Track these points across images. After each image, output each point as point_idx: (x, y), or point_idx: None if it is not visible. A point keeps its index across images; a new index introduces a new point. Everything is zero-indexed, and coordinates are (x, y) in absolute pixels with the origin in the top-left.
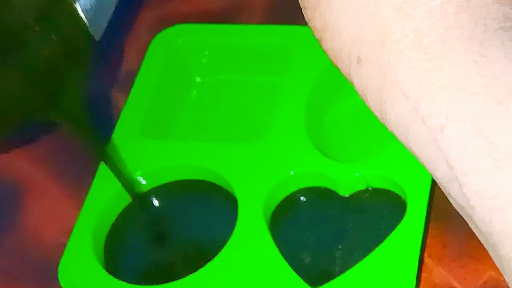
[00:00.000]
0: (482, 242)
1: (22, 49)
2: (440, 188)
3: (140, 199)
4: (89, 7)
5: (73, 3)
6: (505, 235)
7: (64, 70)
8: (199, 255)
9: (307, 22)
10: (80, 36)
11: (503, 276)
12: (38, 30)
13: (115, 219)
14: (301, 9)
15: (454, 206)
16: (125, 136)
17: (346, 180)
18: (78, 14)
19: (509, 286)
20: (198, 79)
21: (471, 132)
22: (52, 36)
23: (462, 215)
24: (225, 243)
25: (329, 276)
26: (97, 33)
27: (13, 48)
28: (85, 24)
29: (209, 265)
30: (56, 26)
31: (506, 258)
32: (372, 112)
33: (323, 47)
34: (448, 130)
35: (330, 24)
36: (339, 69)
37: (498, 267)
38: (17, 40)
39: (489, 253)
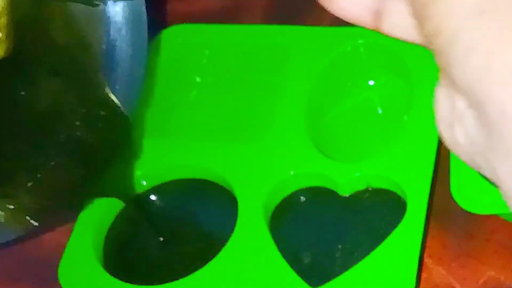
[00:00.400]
0: None
1: (69, 141)
2: (440, 188)
3: (140, 199)
4: (118, 88)
5: (107, 91)
6: None
7: (108, 150)
8: (199, 255)
9: None
10: (115, 119)
11: (503, 275)
12: (80, 123)
13: (115, 219)
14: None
15: (501, 171)
16: None
17: (346, 180)
18: (110, 98)
19: None
20: (198, 79)
21: None
22: (92, 124)
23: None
24: (225, 243)
25: (329, 276)
26: (129, 111)
27: (61, 142)
28: (118, 106)
29: (209, 265)
30: (95, 115)
31: None
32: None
33: (424, 14)
34: None
35: None
36: (433, 37)
37: None
38: (63, 135)
39: None
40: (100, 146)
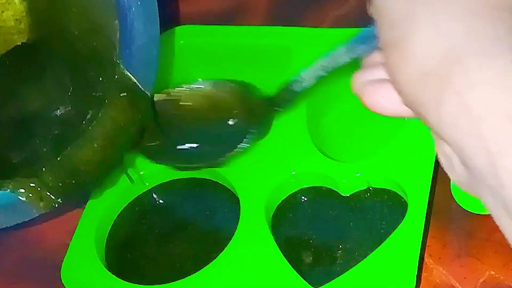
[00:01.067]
0: (507, 228)
1: (93, 122)
2: (440, 188)
3: (143, 199)
4: (132, 65)
5: (122, 69)
6: None
7: (131, 128)
8: (201, 255)
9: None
10: (134, 95)
11: (502, 275)
12: (102, 106)
13: (117, 219)
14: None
15: (488, 204)
16: None
17: (347, 180)
18: (128, 77)
19: None
20: (200, 80)
21: (505, 118)
22: (113, 106)
23: (495, 211)
24: (227, 243)
25: (330, 276)
26: (147, 87)
27: (83, 125)
28: (136, 84)
29: (211, 265)
30: (116, 97)
31: None
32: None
33: (398, 84)
34: (487, 117)
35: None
36: (404, 96)
37: None
38: (86, 119)
39: None
40: (124, 127)
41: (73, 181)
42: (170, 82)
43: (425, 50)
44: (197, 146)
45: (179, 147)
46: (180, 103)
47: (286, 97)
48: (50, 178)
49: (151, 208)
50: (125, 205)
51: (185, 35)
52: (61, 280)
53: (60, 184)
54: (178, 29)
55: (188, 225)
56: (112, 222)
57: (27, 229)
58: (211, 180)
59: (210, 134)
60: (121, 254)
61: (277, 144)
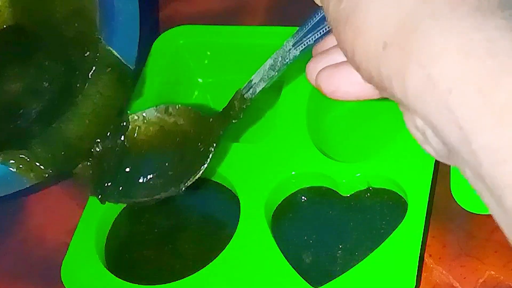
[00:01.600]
0: (492, 209)
1: (79, 97)
2: (440, 188)
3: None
4: (114, 41)
5: (104, 45)
6: (507, 185)
7: (116, 102)
8: (201, 255)
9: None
10: (117, 70)
11: (502, 275)
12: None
13: (116, 218)
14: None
15: (467, 176)
16: None
17: (347, 180)
18: (110, 51)
19: None
20: (200, 80)
21: (473, 91)
22: (99, 81)
23: (474, 184)
24: (227, 243)
25: (330, 276)
26: (130, 62)
27: (71, 97)
28: (118, 58)
29: (211, 264)
30: (101, 73)
31: (510, 210)
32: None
33: (356, 61)
34: (455, 91)
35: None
36: (364, 73)
37: (505, 230)
38: (73, 91)
39: (498, 220)
40: (109, 100)
41: (63, 152)
42: (170, 82)
43: (379, 20)
44: (157, 176)
45: (140, 180)
46: (134, 136)
47: (240, 106)
48: (39, 150)
49: (151, 208)
50: (125, 205)
51: (185, 35)
52: (61, 280)
53: (49, 155)
54: (178, 29)
55: (188, 225)
56: (112, 222)
57: (27, 229)
58: (211, 180)
59: (168, 161)
60: (121, 254)
61: (277, 144)
